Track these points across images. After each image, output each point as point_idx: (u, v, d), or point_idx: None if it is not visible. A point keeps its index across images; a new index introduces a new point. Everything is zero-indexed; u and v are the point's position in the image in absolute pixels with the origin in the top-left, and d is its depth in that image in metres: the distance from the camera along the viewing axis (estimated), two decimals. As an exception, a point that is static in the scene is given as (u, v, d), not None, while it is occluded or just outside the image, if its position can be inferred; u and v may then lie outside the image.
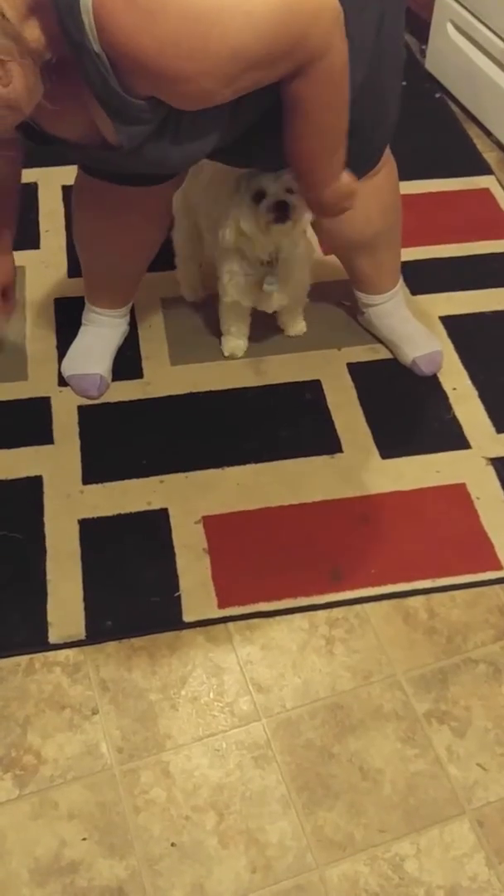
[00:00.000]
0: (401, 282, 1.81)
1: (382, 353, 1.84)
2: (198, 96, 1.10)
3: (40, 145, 1.27)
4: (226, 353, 1.81)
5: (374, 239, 1.66)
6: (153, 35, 1.01)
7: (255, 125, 1.29)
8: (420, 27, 2.57)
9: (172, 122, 1.16)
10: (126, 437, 1.68)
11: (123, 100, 1.09)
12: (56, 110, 1.11)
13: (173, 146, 1.21)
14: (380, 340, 1.85)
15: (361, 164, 1.50)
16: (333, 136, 1.29)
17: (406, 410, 1.76)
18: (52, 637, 1.41)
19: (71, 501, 1.57)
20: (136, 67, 1.05)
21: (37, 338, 1.84)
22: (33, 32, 1.03)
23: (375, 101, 1.41)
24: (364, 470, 1.65)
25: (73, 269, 1.95)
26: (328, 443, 1.69)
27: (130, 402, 1.74)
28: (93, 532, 1.53)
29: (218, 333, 1.83)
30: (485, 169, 2.30)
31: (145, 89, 1.09)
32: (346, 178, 1.37)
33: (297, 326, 1.85)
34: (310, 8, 1.08)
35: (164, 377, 1.78)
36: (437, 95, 2.54)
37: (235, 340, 1.81)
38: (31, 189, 2.14)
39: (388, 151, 1.57)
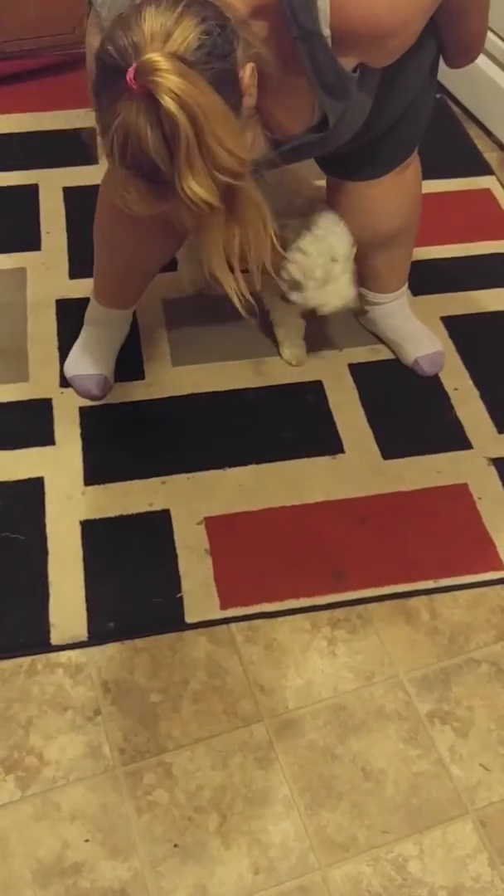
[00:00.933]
0: (406, 283, 1.81)
1: (384, 354, 1.84)
2: (407, 41, 1.21)
3: None
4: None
5: (398, 233, 1.68)
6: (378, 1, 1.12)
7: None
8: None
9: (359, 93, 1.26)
10: (128, 439, 1.68)
11: (343, 76, 1.18)
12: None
13: (343, 124, 1.29)
14: (381, 341, 1.85)
15: (399, 157, 1.56)
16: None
17: (407, 411, 1.76)
18: (54, 638, 1.41)
19: (73, 503, 1.57)
20: (367, 36, 1.15)
21: (38, 339, 1.84)
22: (259, 35, 1.09)
23: (425, 103, 1.50)
24: (366, 470, 1.65)
25: (74, 271, 1.95)
26: (330, 443, 1.69)
27: (132, 402, 1.73)
28: (95, 533, 1.53)
29: (219, 334, 1.83)
30: (486, 169, 2.30)
31: (356, 59, 1.18)
32: None
33: (296, 353, 1.81)
34: None
35: (166, 378, 1.78)
36: (438, 96, 2.53)
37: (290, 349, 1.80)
38: (32, 190, 2.14)
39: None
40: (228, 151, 1.01)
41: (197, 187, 1.01)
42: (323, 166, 1.60)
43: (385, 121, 1.44)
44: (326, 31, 1.11)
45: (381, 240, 1.68)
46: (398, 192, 1.58)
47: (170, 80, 0.96)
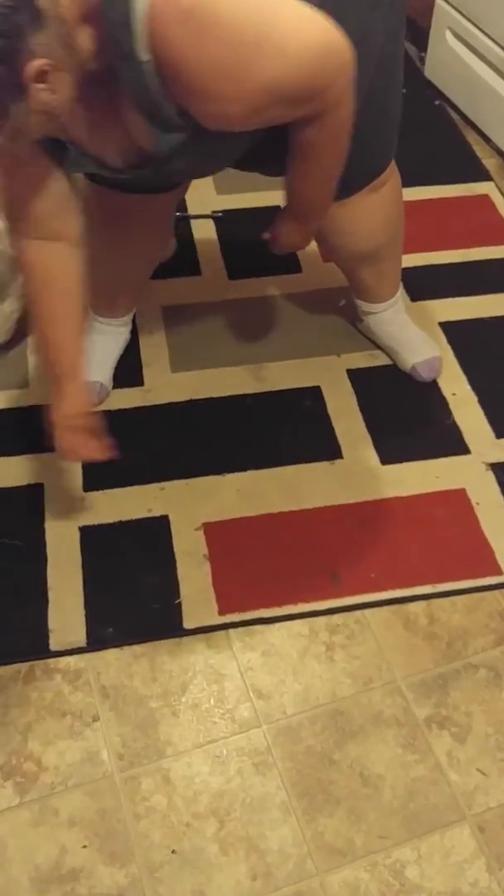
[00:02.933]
0: (401, 289, 1.82)
1: (382, 360, 1.85)
2: (221, 118, 1.13)
3: (67, 171, 1.29)
4: None
5: (377, 250, 1.67)
6: (198, 52, 1.05)
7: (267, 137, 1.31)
8: (419, 35, 2.58)
9: (206, 133, 1.18)
10: (127, 445, 1.68)
11: (164, 108, 1.11)
12: (90, 121, 1.15)
13: (204, 156, 1.24)
14: (379, 347, 1.86)
15: (363, 175, 1.51)
16: (332, 180, 1.35)
17: (406, 416, 1.76)
18: (53, 644, 1.41)
19: (72, 509, 1.58)
20: (177, 76, 1.07)
21: (38, 347, 1.84)
22: (84, 41, 1.05)
23: (378, 113, 1.43)
24: (364, 476, 1.65)
25: (74, 278, 1.96)
26: (328, 449, 1.69)
27: (131, 409, 1.74)
28: (93, 539, 1.54)
29: (217, 340, 1.83)
30: (484, 175, 2.31)
31: (180, 98, 1.12)
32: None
33: None
34: (338, 62, 1.14)
35: (165, 384, 1.79)
36: (437, 102, 2.55)
37: None
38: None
39: (393, 164, 1.57)
40: None
41: None
42: None
43: None
44: (145, 56, 1.05)
45: (360, 257, 1.68)
46: (370, 212, 1.56)
47: None
